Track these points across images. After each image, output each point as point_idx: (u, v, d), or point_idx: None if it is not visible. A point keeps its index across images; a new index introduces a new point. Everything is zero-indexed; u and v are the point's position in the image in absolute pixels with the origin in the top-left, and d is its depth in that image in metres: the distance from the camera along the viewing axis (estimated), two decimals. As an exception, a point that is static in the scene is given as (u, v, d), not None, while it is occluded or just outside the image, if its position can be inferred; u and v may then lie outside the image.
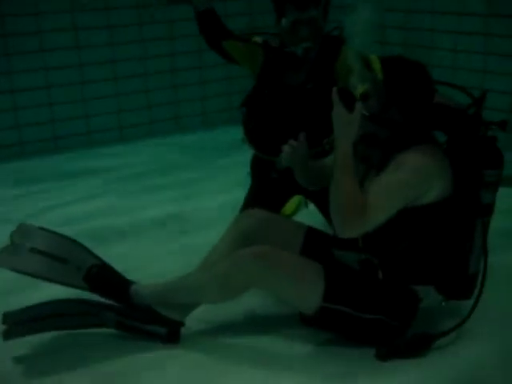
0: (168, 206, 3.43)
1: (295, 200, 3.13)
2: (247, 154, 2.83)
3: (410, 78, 1.97)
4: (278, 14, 2.51)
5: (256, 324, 2.31)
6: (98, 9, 4.40)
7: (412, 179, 1.92)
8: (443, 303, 2.19)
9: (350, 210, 1.87)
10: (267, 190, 2.72)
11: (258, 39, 2.60)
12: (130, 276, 2.25)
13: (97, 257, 2.26)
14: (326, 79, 2.47)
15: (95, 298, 2.19)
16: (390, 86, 1.94)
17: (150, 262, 2.78)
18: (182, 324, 2.17)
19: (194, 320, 2.21)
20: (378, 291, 2.07)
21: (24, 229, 2.27)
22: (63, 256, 2.20)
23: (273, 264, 2.05)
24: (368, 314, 2.04)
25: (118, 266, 2.29)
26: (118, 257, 2.56)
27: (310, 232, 2.33)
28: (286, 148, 2.21)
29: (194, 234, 3.07)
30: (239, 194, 2.82)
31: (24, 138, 4.34)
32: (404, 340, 2.07)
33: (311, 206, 2.88)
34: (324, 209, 2.71)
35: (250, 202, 2.67)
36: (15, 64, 4.20)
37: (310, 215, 2.89)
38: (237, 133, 2.75)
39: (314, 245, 2.26)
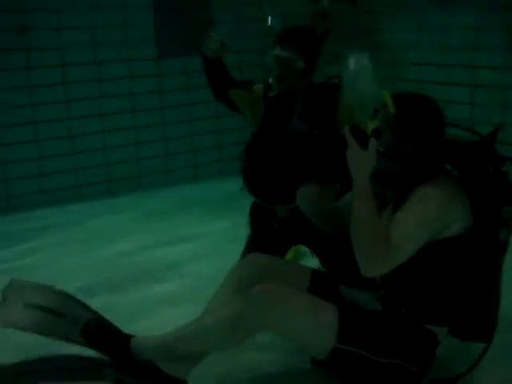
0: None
1: (292, 250, 3.06)
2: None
3: (423, 112, 1.96)
4: None
5: (264, 378, 2.22)
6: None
7: (435, 213, 1.87)
8: (463, 343, 2.10)
9: (374, 249, 1.82)
10: (267, 240, 2.65)
11: (259, 86, 2.60)
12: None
13: (93, 311, 2.18)
14: (328, 126, 2.46)
15: (93, 353, 2.09)
16: (404, 121, 1.93)
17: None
18: (184, 383, 2.06)
19: (198, 377, 2.10)
20: (396, 334, 1.99)
21: (17, 284, 2.21)
22: (59, 310, 2.13)
23: (284, 301, 1.98)
24: (386, 358, 1.95)
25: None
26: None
27: (316, 274, 2.26)
28: (299, 193, 2.19)
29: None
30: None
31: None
32: None
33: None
34: (325, 259, 2.66)
35: (249, 252, 2.59)
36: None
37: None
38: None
39: (322, 286, 2.19)
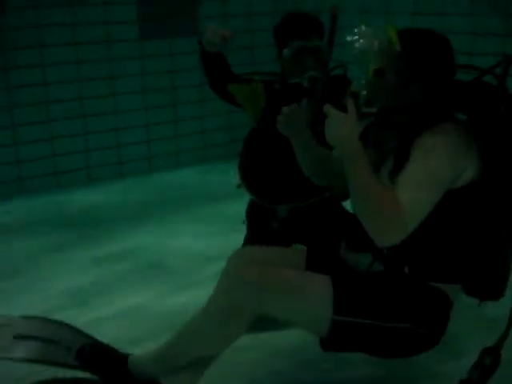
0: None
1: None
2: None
3: (432, 49, 1.77)
4: (279, 46, 2.36)
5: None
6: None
7: (445, 165, 1.68)
8: (480, 304, 1.93)
9: (385, 219, 1.61)
10: (265, 241, 2.50)
11: (259, 82, 2.44)
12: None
13: (87, 335, 2.08)
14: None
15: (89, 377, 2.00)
16: (410, 59, 1.74)
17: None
18: (190, 396, 1.94)
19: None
20: (401, 295, 1.80)
21: (2, 320, 2.12)
22: (51, 338, 2.03)
23: (271, 278, 1.81)
24: (392, 323, 1.77)
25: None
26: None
27: (312, 251, 2.07)
28: (279, 117, 1.95)
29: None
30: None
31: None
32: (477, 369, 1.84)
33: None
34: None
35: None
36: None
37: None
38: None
39: (319, 258, 2.02)
